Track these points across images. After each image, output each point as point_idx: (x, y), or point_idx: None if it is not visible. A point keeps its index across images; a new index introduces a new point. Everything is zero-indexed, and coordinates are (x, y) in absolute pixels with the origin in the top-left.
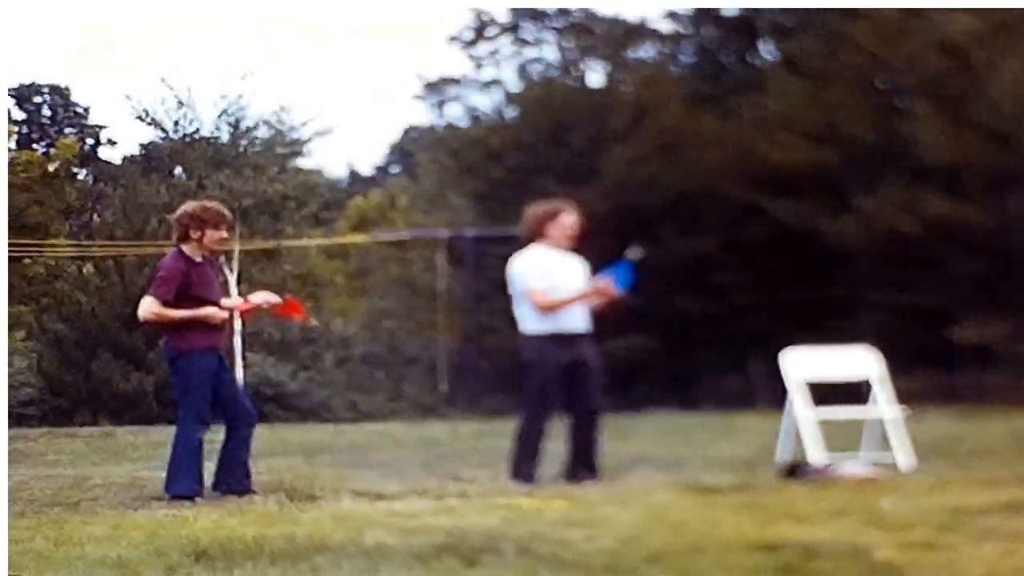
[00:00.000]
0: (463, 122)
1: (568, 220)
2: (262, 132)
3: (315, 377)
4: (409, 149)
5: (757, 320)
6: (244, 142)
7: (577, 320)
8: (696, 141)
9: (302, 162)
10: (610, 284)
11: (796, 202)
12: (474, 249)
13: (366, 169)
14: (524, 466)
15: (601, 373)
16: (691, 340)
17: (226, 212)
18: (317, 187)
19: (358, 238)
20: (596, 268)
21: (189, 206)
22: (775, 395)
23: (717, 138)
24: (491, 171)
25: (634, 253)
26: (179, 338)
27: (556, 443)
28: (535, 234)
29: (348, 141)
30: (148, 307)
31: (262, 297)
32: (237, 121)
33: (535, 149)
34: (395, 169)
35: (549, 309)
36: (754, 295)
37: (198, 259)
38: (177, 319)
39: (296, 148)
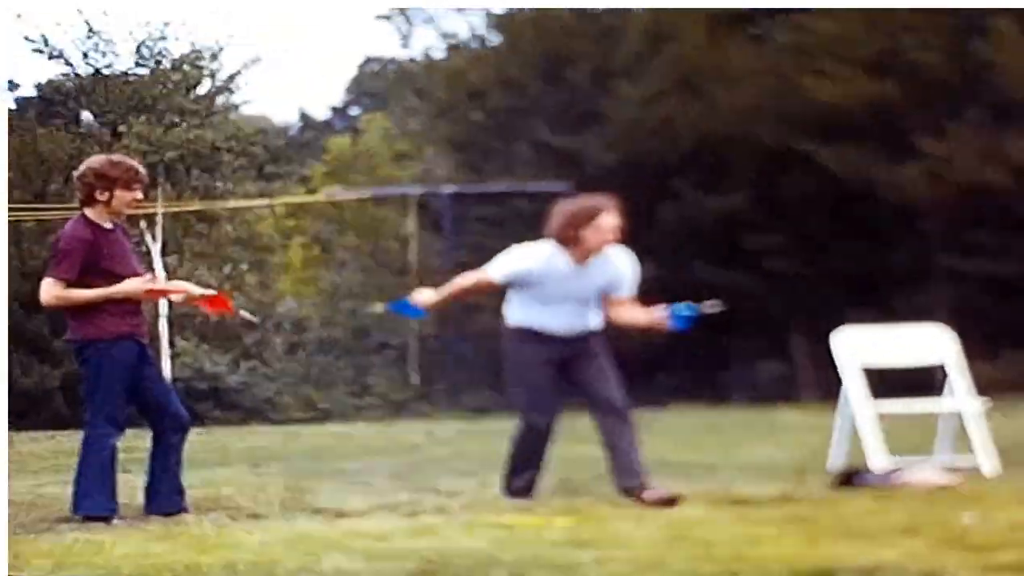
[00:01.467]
0: (437, 52)
1: (608, 223)
2: (190, 69)
3: (261, 368)
4: (370, 88)
5: (800, 293)
6: (168, 81)
7: (575, 319)
8: (723, 75)
9: (242, 106)
10: (664, 320)
11: (848, 148)
12: (452, 209)
13: (320, 112)
14: (519, 476)
15: (612, 368)
16: (721, 319)
17: (139, 168)
18: (258, 135)
19: (308, 197)
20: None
21: (94, 161)
22: (825, 385)
23: (749, 70)
24: (471, 114)
25: (712, 307)
26: (87, 323)
27: (562, 448)
28: (566, 240)
29: (297, 79)
30: (48, 289)
31: (179, 286)
32: (159, 55)
33: (524, 87)
34: (355, 111)
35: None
36: (796, 263)
37: (107, 226)
38: (83, 300)
39: (227, 85)
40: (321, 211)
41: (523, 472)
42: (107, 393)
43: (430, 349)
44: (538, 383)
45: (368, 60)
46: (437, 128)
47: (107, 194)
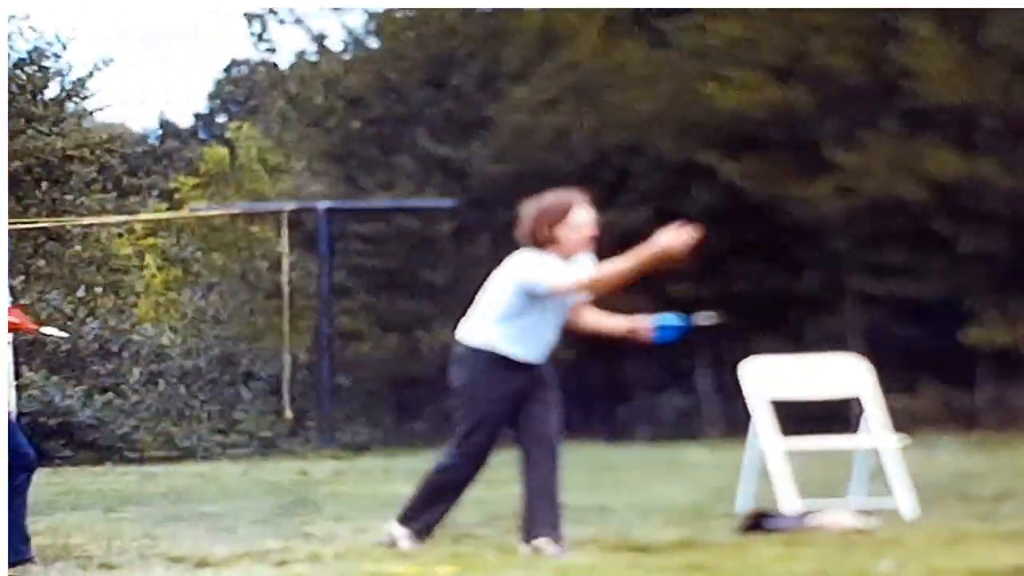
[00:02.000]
0: (310, 56)
1: (581, 217)
2: (34, 70)
3: (116, 402)
4: (237, 94)
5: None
6: (11, 82)
7: (549, 344)
8: (620, 80)
9: (94, 112)
10: (648, 331)
11: (753, 160)
12: (328, 226)
13: (184, 119)
14: (421, 514)
15: (559, 398)
16: (616, 347)
17: None
18: (114, 143)
19: (170, 213)
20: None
21: None
22: (731, 420)
23: (648, 76)
24: (347, 122)
25: (707, 320)
26: None
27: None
28: (540, 242)
29: (156, 82)
30: None
31: None
32: None
33: (406, 92)
34: (222, 118)
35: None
36: (699, 285)
37: None
38: None
39: (77, 89)
40: (185, 228)
41: (428, 511)
42: None
43: (304, 381)
44: (494, 422)
45: (234, 63)
46: (312, 138)
47: None
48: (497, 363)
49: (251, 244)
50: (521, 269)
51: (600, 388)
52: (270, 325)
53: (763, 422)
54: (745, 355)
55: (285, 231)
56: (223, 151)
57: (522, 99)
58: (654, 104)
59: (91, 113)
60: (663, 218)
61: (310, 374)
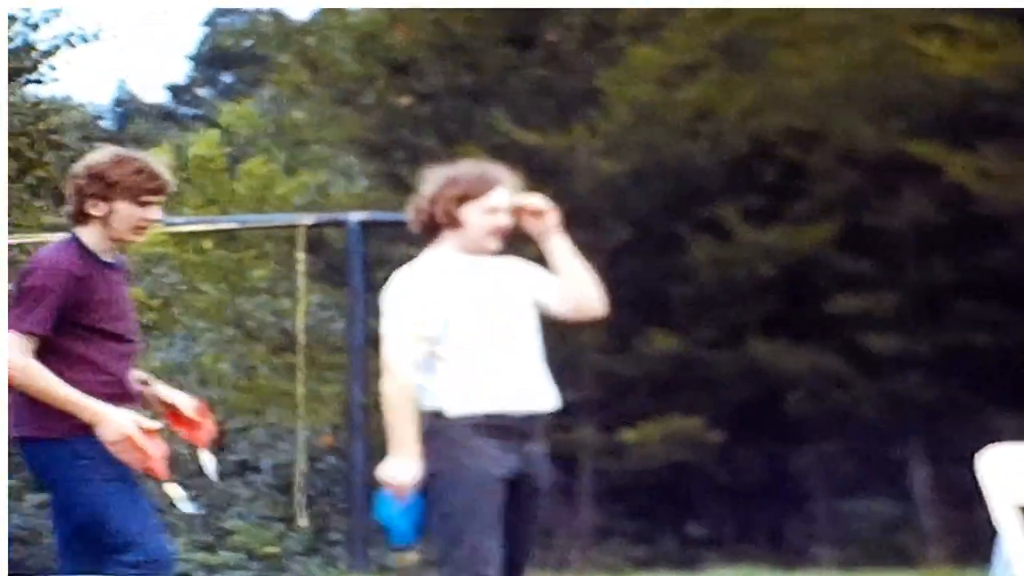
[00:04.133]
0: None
1: (502, 200)
2: None
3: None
4: (223, 56)
5: (916, 389)
6: None
7: (536, 387)
8: (793, 33)
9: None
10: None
11: (993, 152)
12: (363, 247)
13: (154, 92)
14: None
15: (545, 493)
16: (784, 429)
17: (158, 170)
18: (61, 130)
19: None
20: None
21: (94, 157)
22: (962, 536)
23: (836, 27)
24: (390, 97)
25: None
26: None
27: None
28: (435, 225)
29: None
30: (12, 349)
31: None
32: None
33: (476, 54)
34: (207, 92)
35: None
36: (910, 337)
37: (106, 258)
38: (44, 393)
39: (34, 65)
40: (155, 251)
41: None
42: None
43: (327, 473)
44: (487, 522)
45: (220, 12)
46: (340, 121)
47: (104, 206)
48: (473, 430)
49: (251, 274)
50: None
51: (761, 488)
52: (277, 391)
53: (1014, 539)
54: (982, 441)
55: (301, 254)
56: (212, 135)
57: (647, 63)
58: (844, 70)
59: (23, 85)
60: (857, 236)
61: (336, 463)
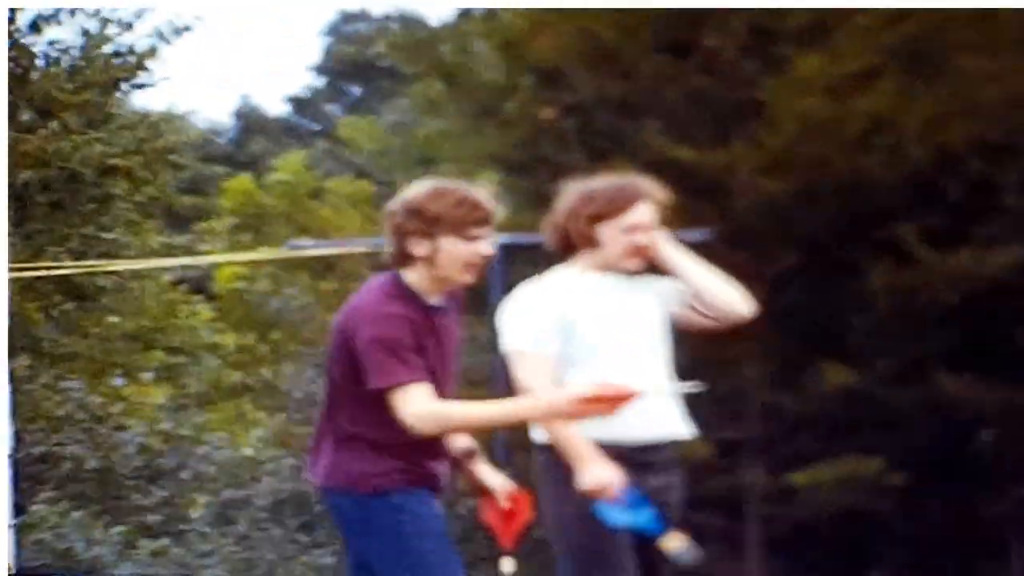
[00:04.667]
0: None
1: (642, 217)
2: (71, 38)
3: (174, 551)
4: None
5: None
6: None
7: (664, 415)
8: (982, 37)
9: (143, 97)
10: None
11: None
12: (506, 275)
13: (274, 107)
14: None
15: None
16: (971, 466)
17: (483, 203)
18: (178, 149)
19: (251, 254)
20: None
21: (415, 192)
22: None
23: None
24: (534, 108)
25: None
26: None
27: None
28: (571, 244)
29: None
30: (419, 402)
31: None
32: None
33: (629, 62)
34: (333, 109)
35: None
36: None
37: (433, 301)
38: (468, 421)
39: (133, 68)
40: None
41: None
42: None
43: None
44: (618, 562)
45: (348, 18)
46: (479, 134)
47: (428, 244)
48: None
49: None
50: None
51: (949, 538)
52: None
53: None
54: None
55: None
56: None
57: (816, 72)
58: None
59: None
60: None
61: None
